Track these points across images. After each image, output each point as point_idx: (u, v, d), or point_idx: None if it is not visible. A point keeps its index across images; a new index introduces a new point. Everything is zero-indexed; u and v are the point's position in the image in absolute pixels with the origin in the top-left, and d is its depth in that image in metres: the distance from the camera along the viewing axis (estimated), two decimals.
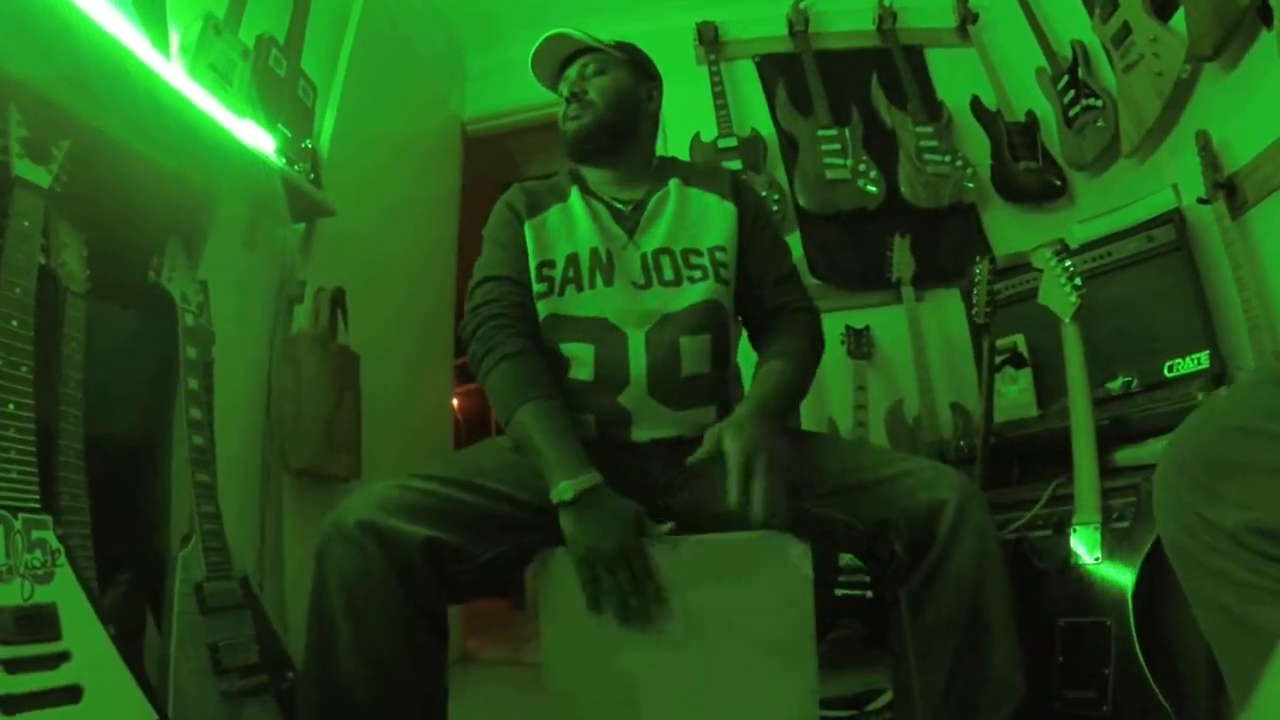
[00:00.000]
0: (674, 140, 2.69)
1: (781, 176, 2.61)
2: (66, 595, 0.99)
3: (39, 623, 0.95)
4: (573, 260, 1.19)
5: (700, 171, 1.30)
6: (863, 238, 2.53)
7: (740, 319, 1.29)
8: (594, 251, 1.19)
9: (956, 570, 0.97)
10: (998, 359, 2.07)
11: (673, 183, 1.26)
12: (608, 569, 0.99)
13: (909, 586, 1.01)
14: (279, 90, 1.79)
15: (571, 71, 1.27)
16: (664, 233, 1.21)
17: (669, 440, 1.15)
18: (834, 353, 2.43)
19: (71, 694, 0.93)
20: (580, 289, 1.17)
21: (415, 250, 2.54)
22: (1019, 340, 2.07)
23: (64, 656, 0.95)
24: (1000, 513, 1.58)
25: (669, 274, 1.18)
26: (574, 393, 1.15)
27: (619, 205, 1.25)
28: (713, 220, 1.23)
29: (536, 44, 1.26)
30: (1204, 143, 1.80)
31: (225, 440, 1.56)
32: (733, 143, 2.58)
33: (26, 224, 1.12)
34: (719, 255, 1.20)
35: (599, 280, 1.17)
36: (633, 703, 1.02)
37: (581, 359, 1.15)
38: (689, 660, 1.01)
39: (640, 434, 1.15)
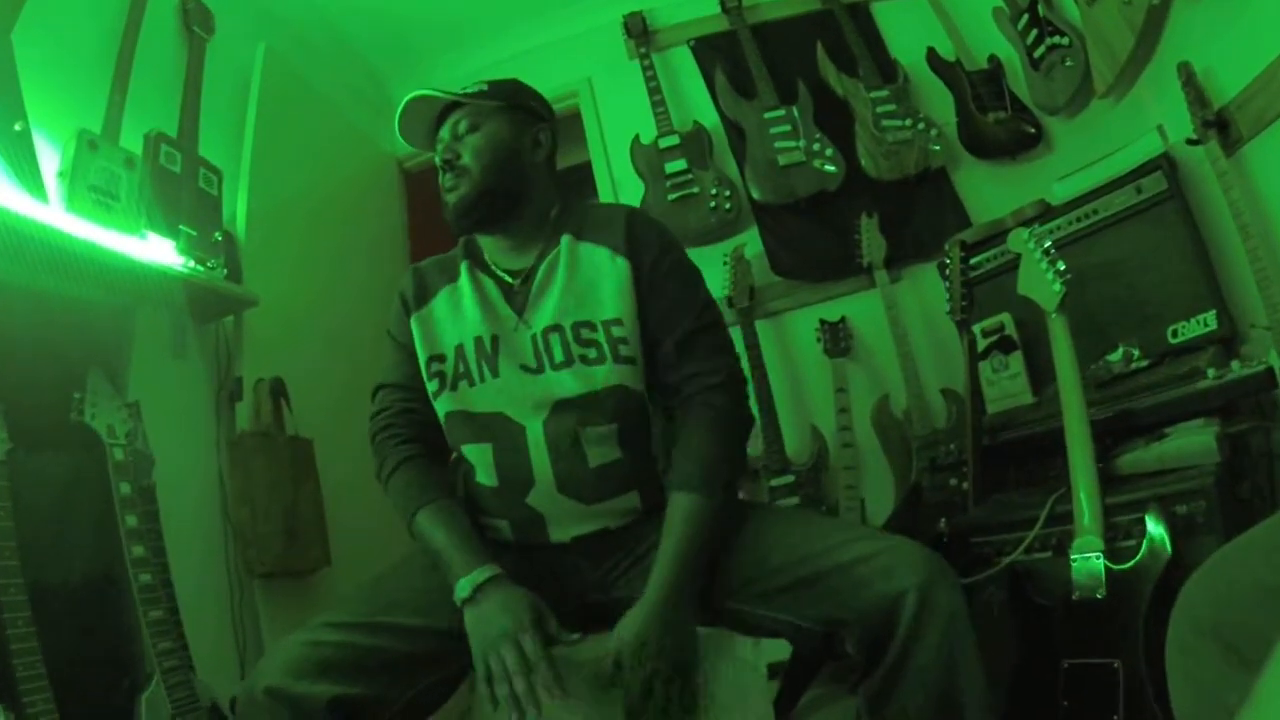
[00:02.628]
0: (614, 146, 2.65)
1: (732, 169, 2.56)
2: None
3: None
4: (460, 352, 1.15)
5: (595, 220, 1.19)
6: (827, 223, 2.48)
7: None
8: (478, 340, 1.14)
9: (921, 666, 0.93)
10: (985, 343, 2.03)
11: (564, 240, 1.17)
12: (498, 656, 0.98)
13: (868, 687, 0.97)
14: (176, 187, 1.79)
15: (444, 132, 1.19)
16: (553, 307, 1.13)
17: (592, 534, 1.13)
18: (810, 351, 2.41)
19: None
20: (472, 383, 1.14)
21: (364, 308, 2.55)
22: (1005, 320, 2.02)
23: None
24: (994, 534, 1.53)
25: (559, 355, 1.12)
26: (482, 498, 1.15)
27: (508, 279, 1.19)
28: (605, 284, 1.14)
29: (399, 110, 1.19)
30: (1186, 76, 1.69)
31: (186, 554, 1.62)
32: (674, 141, 2.53)
33: None
34: (615, 330, 1.11)
35: (486, 372, 1.13)
36: None
37: (482, 461, 1.13)
38: None
39: (558, 534, 1.13)
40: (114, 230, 1.61)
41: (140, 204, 1.68)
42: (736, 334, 2.24)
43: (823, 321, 2.40)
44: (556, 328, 1.13)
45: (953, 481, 2.02)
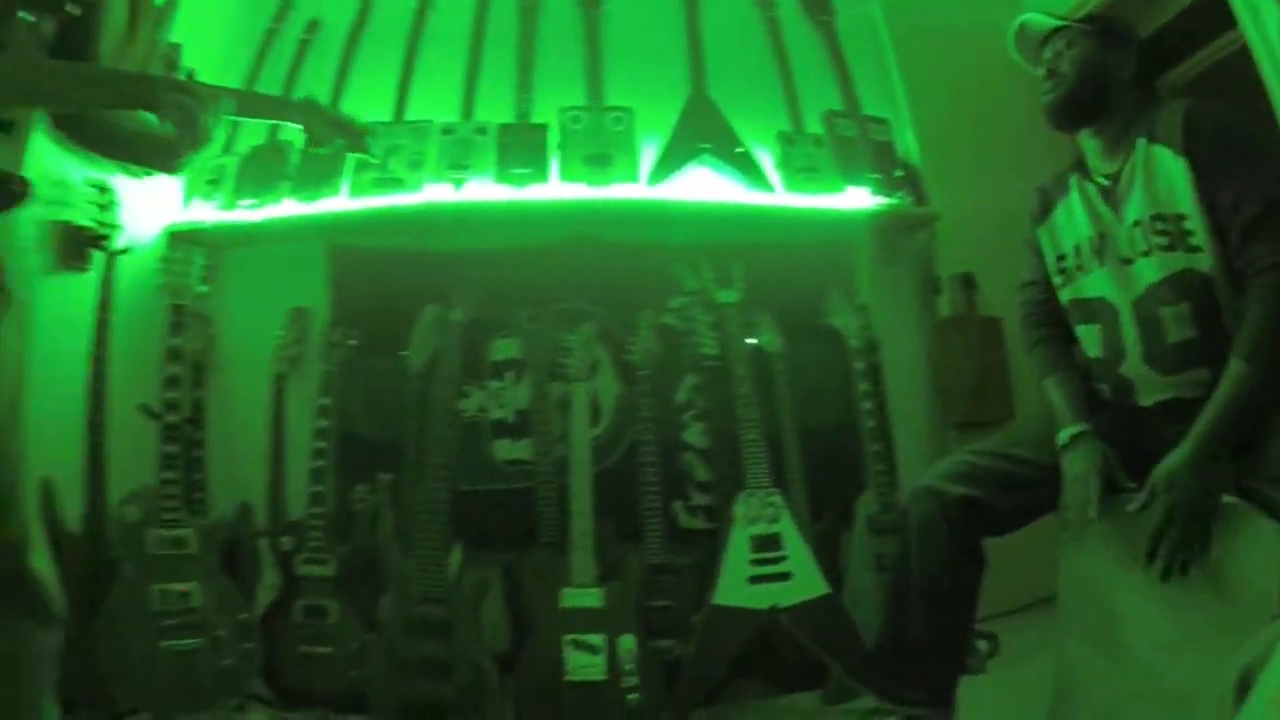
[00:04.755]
0: None
1: None
2: (786, 528, 1.92)
3: (772, 542, 1.90)
4: (1076, 251, 1.47)
5: (1163, 120, 1.34)
6: None
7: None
8: (1089, 240, 1.43)
9: None
10: None
11: (1139, 144, 1.36)
12: (1071, 489, 1.33)
13: None
14: (854, 146, 2.47)
15: (1047, 51, 1.48)
16: (1136, 205, 1.35)
17: (1170, 401, 1.33)
18: None
19: (786, 577, 1.84)
20: (1086, 273, 1.45)
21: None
22: None
23: (784, 558, 1.87)
24: None
25: (1142, 244, 1.34)
26: (1092, 368, 1.46)
27: (1103, 181, 1.44)
28: (1173, 182, 1.30)
29: (1011, 31, 1.54)
30: None
31: (901, 410, 2.31)
32: None
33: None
34: (1184, 224, 1.29)
35: (1094, 263, 1.42)
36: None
37: (1091, 339, 1.45)
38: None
39: (1145, 398, 1.37)
40: (822, 194, 2.41)
41: (834, 169, 2.44)
42: None
43: None
44: (1139, 222, 1.35)
45: None
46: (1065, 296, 1.49)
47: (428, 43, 2.35)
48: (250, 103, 1.30)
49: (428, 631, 1.87)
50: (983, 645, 1.94)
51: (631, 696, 1.78)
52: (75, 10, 1.19)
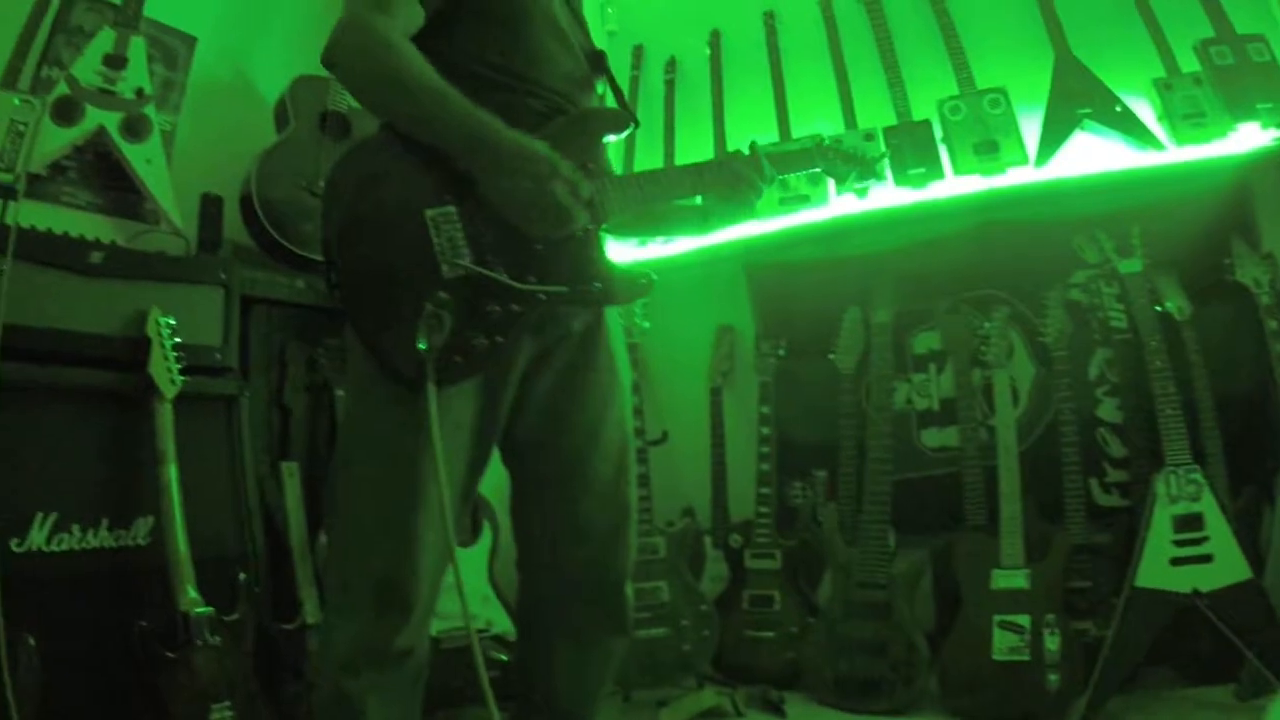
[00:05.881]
0: None
1: None
2: (1208, 507, 1.84)
3: (1194, 522, 1.83)
4: None
5: None
6: None
7: None
8: None
9: None
10: None
11: None
12: None
13: None
14: (1236, 75, 2.30)
15: None
16: None
17: None
18: None
19: (1208, 559, 1.79)
20: None
21: None
22: None
23: (1206, 539, 1.81)
24: None
25: None
26: None
27: None
28: None
29: None
30: None
31: None
32: None
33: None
34: None
35: None
36: None
37: None
38: None
39: None
40: (1210, 141, 2.29)
41: (1220, 107, 2.30)
42: None
43: None
44: None
45: None
46: None
47: (787, 60, 2.47)
48: (781, 160, 1.40)
49: (869, 613, 2.04)
50: None
51: (1052, 678, 1.82)
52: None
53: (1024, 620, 1.86)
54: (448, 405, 1.03)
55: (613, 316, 1.28)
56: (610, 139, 1.24)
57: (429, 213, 1.05)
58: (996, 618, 1.89)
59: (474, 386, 1.09)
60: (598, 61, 1.31)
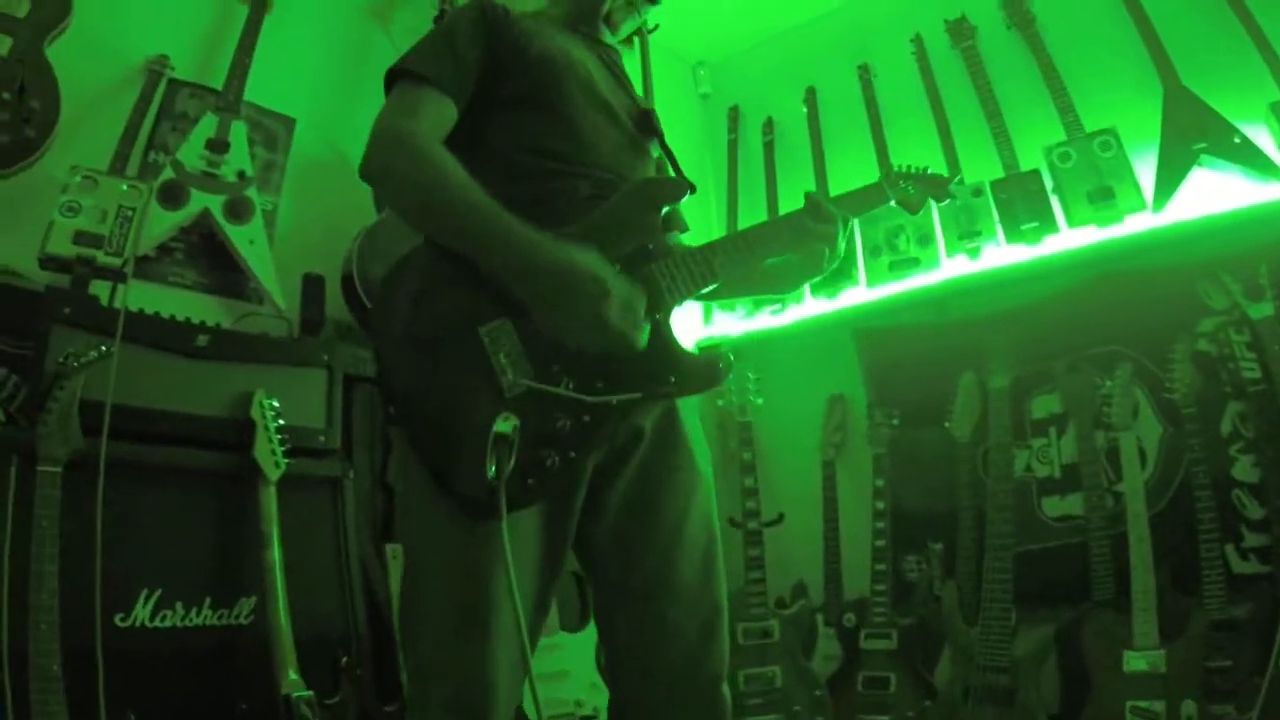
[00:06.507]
0: None
1: None
2: None
3: None
4: None
5: None
6: None
7: None
8: None
9: None
10: None
11: None
12: None
13: None
14: None
15: None
16: None
17: None
18: None
19: None
20: None
21: None
22: None
23: None
24: None
25: None
26: None
27: None
28: None
29: None
30: None
31: None
32: None
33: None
34: None
35: None
36: None
37: None
38: None
39: None
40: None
41: None
42: None
43: None
44: None
45: None
46: None
47: (886, 114, 2.42)
48: (847, 202, 1.30)
49: (991, 697, 1.98)
50: None
51: None
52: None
53: (1160, 707, 1.77)
54: (514, 524, 0.98)
55: (686, 406, 1.20)
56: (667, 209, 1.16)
57: (483, 330, 1.02)
58: (1129, 703, 1.80)
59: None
60: (645, 123, 1.25)
